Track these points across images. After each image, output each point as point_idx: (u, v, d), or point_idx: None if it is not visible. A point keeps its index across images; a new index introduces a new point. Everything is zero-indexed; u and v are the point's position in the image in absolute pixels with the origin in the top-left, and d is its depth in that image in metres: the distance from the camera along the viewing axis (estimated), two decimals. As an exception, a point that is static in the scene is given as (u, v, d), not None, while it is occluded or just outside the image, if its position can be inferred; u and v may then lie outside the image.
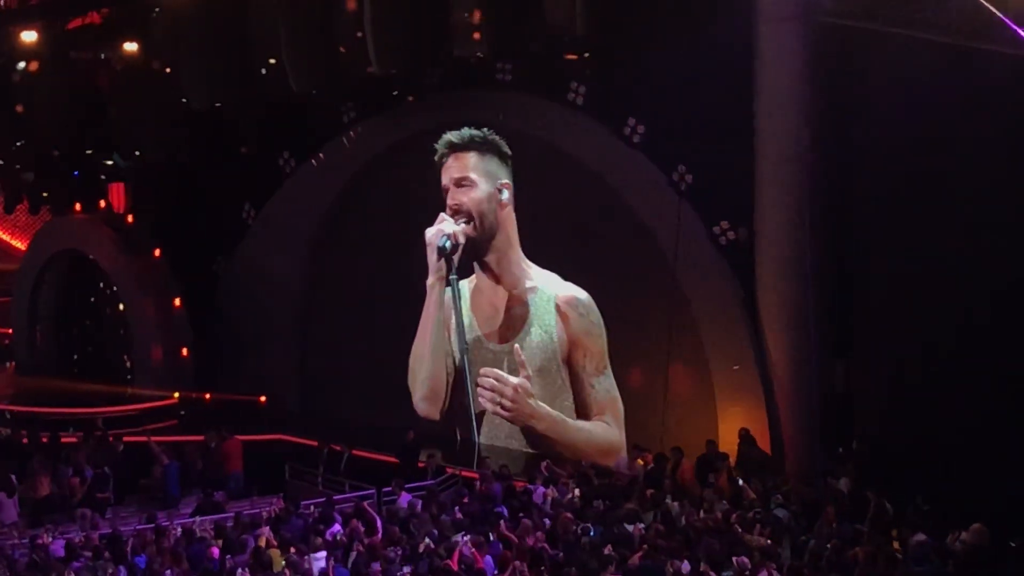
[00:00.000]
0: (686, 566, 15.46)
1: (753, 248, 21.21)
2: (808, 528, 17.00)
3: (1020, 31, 16.46)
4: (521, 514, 18.04)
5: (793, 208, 20.54)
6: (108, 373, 31.56)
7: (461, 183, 22.64)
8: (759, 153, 20.84)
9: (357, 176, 26.83)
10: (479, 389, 22.38)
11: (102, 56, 28.43)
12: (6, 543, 18.92)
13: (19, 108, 28.30)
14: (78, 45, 28.15)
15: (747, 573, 15.11)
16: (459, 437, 23.21)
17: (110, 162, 31.28)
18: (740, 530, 16.64)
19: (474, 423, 22.79)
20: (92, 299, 32.84)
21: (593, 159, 23.05)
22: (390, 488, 20.45)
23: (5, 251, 36.95)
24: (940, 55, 18.36)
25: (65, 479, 22.93)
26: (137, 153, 29.26)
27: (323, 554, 16.76)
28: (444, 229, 22.28)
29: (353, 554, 16.74)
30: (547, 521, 17.67)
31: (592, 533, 16.94)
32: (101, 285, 32.27)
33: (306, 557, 16.58)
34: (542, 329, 22.57)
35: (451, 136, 22.80)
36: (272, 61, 24.41)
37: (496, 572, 16.05)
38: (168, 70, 26.57)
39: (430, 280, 22.52)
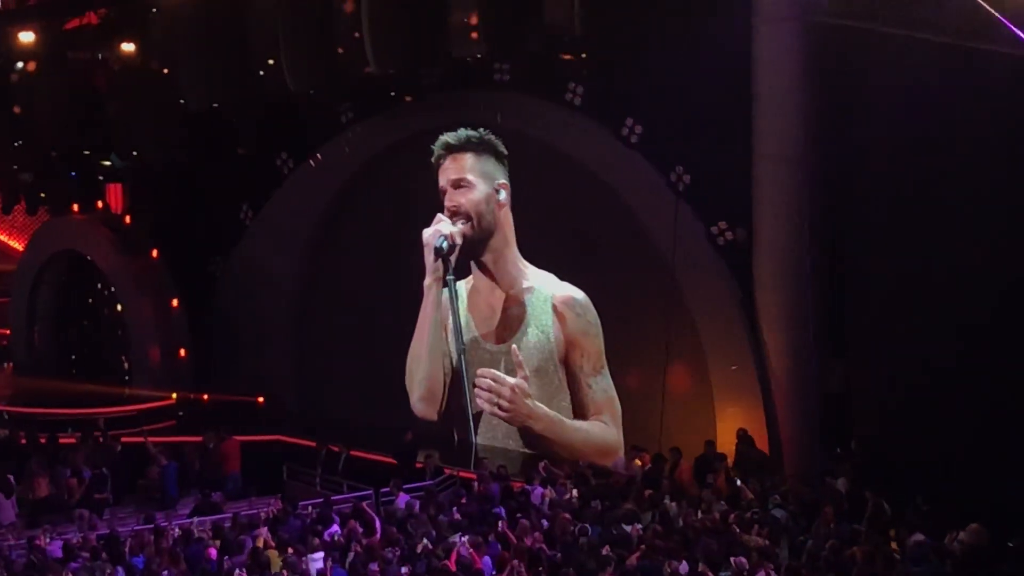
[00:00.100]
0: (684, 566, 15.45)
1: (751, 248, 21.20)
2: (806, 528, 17.00)
3: (1017, 31, 16.44)
4: (519, 515, 18.02)
5: (791, 208, 20.54)
6: (106, 374, 31.52)
7: (459, 184, 22.62)
8: (757, 153, 20.84)
9: (355, 176, 26.82)
10: (476, 390, 22.36)
11: (100, 56, 28.45)
12: (4, 544, 18.88)
13: (17, 109, 28.36)
14: (76, 45, 28.17)
15: (745, 573, 15.10)
16: (456, 438, 23.18)
17: (108, 163, 31.27)
18: (738, 530, 16.63)
19: (472, 424, 22.77)
20: (90, 300, 32.83)
21: (591, 159, 23.04)
22: (388, 489, 20.43)
23: (3, 251, 36.88)
24: (938, 55, 18.33)
25: (63, 480, 22.91)
26: (135, 153, 29.22)
27: (321, 555, 16.74)
28: (441, 230, 22.27)
29: (351, 555, 16.73)
30: (545, 522, 17.65)
31: (590, 533, 16.92)
32: (99, 286, 32.25)
33: (304, 558, 16.56)
34: (539, 329, 22.56)
35: (447, 137, 22.78)
36: (270, 61, 24.40)
37: (494, 572, 16.05)
38: (166, 70, 26.60)
39: (427, 281, 22.51)
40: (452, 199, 22.60)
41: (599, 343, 22.55)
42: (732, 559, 15.32)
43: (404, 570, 16.05)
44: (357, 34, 22.89)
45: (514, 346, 22.35)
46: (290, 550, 16.81)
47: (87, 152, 30.62)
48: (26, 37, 26.94)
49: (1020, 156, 18.30)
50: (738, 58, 20.65)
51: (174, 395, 29.51)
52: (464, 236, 22.44)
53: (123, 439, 25.11)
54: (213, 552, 17.22)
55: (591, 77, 23.12)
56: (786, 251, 20.71)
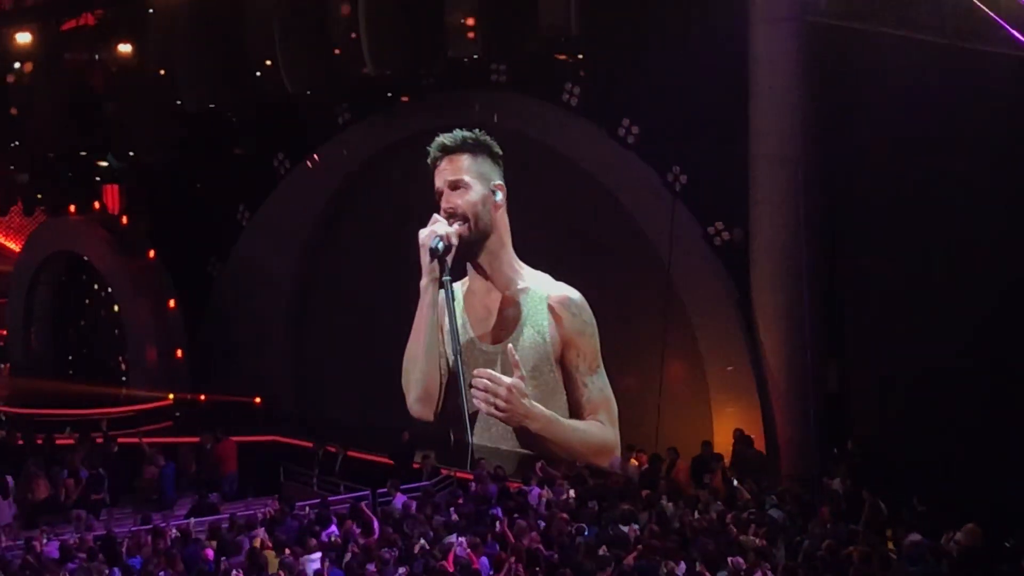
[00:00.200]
0: (681, 567, 15.43)
1: (748, 249, 21.20)
2: (803, 528, 16.97)
3: (1013, 32, 16.45)
4: (516, 515, 18.01)
5: (788, 209, 20.52)
6: (103, 374, 31.53)
7: (455, 186, 22.62)
8: (754, 154, 20.83)
9: (352, 177, 26.83)
10: (473, 390, 22.36)
11: (97, 57, 28.39)
12: (1, 545, 18.88)
13: (14, 110, 28.34)
14: (72, 46, 28.17)
15: (742, 574, 15.09)
16: (453, 438, 23.17)
17: (105, 163, 31.22)
18: (735, 531, 16.61)
19: (468, 424, 22.76)
20: (87, 300, 32.81)
21: (587, 160, 23.04)
22: (385, 489, 20.42)
23: (0, 252, 36.88)
24: (935, 55, 18.34)
25: (60, 481, 22.89)
26: (132, 154, 29.18)
27: (318, 555, 16.73)
28: (437, 230, 22.27)
29: (348, 555, 16.71)
30: (542, 522, 17.64)
31: (587, 534, 16.91)
32: (96, 286, 32.25)
33: (301, 559, 16.55)
34: (535, 329, 22.55)
35: (443, 139, 22.78)
36: (267, 62, 24.39)
37: (492, 573, 16.03)
38: (163, 71, 26.55)
39: (424, 281, 22.50)
40: (448, 200, 22.60)
41: (595, 343, 22.54)
42: (729, 559, 15.30)
43: (401, 571, 16.02)
44: (354, 35, 22.90)
45: (510, 346, 22.35)
46: (287, 551, 16.78)
47: (84, 153, 30.55)
48: (23, 38, 26.96)
49: (1020, 156, 18.29)
50: (735, 58, 20.67)
51: (171, 396, 29.50)
52: (460, 237, 22.44)
53: (120, 440, 25.11)
54: (210, 553, 17.20)
55: (588, 77, 23.13)
56: (783, 251, 20.70)
